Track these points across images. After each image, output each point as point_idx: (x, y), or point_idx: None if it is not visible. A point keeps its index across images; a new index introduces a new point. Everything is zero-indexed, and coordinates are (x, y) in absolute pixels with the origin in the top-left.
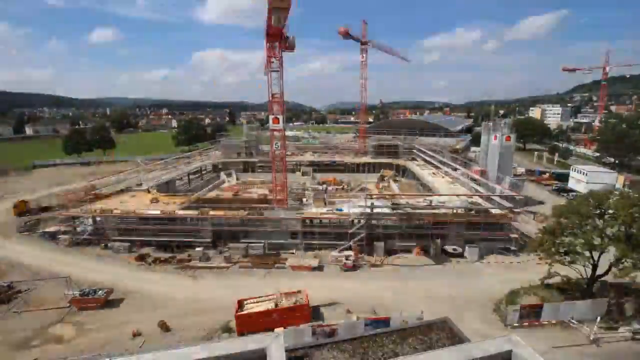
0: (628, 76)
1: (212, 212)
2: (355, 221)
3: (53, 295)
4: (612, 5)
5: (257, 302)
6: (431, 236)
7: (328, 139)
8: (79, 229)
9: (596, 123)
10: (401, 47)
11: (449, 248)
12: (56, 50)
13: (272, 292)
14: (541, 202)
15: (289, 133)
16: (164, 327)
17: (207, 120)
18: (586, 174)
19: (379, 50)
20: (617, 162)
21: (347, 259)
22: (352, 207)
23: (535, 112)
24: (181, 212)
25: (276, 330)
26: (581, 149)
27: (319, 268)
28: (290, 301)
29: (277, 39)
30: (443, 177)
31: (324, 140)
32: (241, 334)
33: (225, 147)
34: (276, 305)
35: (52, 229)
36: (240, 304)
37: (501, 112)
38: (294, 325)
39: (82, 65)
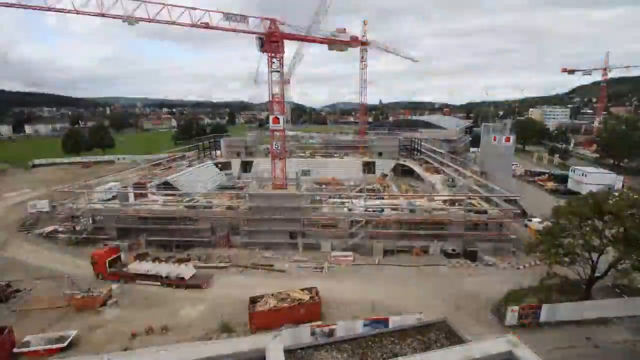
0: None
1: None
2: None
3: (52, 295)
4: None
5: (270, 299)
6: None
7: (328, 139)
8: (78, 228)
9: (596, 124)
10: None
11: (449, 249)
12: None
13: (284, 289)
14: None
15: (288, 133)
16: (164, 326)
17: (207, 120)
18: (585, 175)
19: (385, 51)
20: (616, 163)
21: None
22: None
23: (534, 113)
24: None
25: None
26: (581, 150)
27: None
28: (302, 299)
29: (278, 39)
30: (442, 176)
31: (324, 141)
32: (255, 330)
33: (226, 146)
34: (292, 302)
35: (50, 228)
36: (253, 301)
37: (500, 113)
38: (307, 322)
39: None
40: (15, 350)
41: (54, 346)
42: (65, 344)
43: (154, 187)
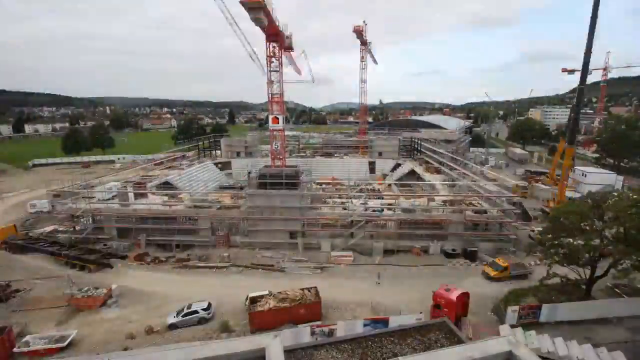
0: None
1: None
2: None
3: (52, 295)
4: None
5: (270, 299)
6: None
7: (328, 139)
8: (78, 228)
9: (596, 124)
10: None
11: (448, 249)
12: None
13: (283, 289)
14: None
15: (288, 133)
16: (164, 326)
17: (207, 120)
18: (585, 175)
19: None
20: (616, 163)
21: None
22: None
23: (534, 113)
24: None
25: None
26: (580, 150)
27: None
28: (302, 298)
29: (277, 38)
30: (442, 176)
31: (324, 141)
32: (255, 331)
33: (226, 146)
34: (291, 302)
35: (50, 228)
36: (253, 301)
37: (500, 112)
38: (307, 322)
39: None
40: (15, 350)
41: (54, 346)
42: (65, 343)
43: (153, 187)
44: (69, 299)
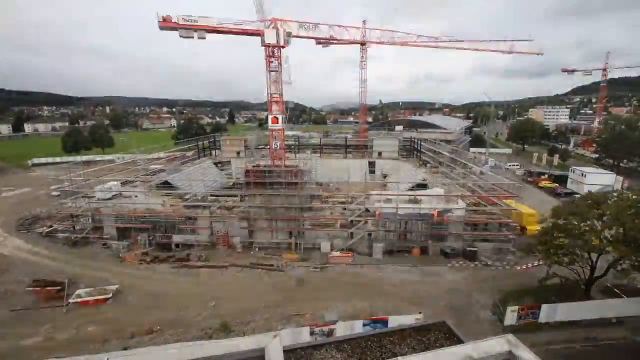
0: None
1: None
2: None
3: (51, 294)
4: None
5: None
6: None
7: (328, 139)
8: (77, 227)
9: (595, 124)
10: None
11: (448, 249)
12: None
13: (282, 288)
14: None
15: (288, 133)
16: (163, 326)
17: (207, 120)
18: (585, 176)
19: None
20: (615, 163)
21: None
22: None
23: (534, 114)
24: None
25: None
26: (580, 151)
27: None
28: None
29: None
30: (441, 176)
31: (324, 141)
32: None
33: (226, 146)
34: None
35: (50, 227)
36: None
37: (500, 113)
38: None
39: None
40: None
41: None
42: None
43: (153, 187)
44: (70, 298)
